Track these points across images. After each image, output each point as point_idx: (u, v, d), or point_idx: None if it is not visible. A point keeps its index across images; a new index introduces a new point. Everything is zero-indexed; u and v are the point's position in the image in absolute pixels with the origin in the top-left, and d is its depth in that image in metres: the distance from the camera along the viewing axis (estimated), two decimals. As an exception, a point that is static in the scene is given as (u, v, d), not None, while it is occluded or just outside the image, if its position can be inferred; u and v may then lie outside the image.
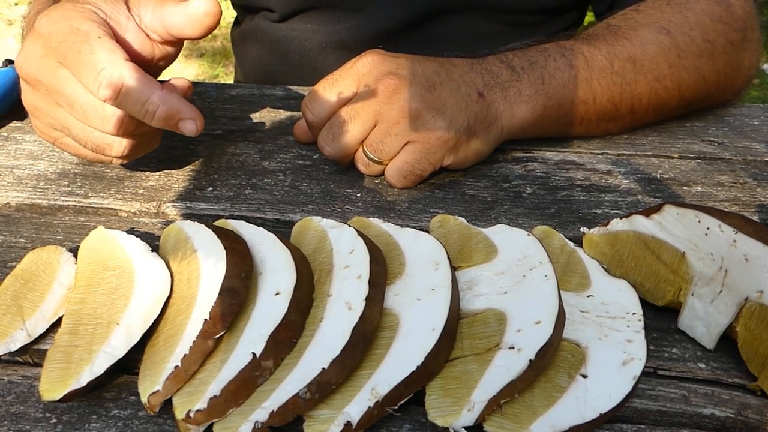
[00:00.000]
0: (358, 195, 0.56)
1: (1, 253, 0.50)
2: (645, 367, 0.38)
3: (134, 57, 0.51)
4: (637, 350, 0.38)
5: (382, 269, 0.41)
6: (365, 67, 0.54)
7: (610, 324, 0.40)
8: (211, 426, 0.35)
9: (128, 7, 0.51)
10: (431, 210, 0.54)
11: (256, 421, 0.34)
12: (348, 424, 0.34)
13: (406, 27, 0.78)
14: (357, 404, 0.35)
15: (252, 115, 0.69)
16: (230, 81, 1.18)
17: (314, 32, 0.81)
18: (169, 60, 0.54)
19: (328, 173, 0.59)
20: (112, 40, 0.48)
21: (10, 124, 0.67)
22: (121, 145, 0.51)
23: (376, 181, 0.57)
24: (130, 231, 0.51)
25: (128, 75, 0.46)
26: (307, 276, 0.41)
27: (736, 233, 0.39)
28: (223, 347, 0.37)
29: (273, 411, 0.34)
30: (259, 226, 0.46)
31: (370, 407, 0.34)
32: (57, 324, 0.41)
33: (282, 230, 0.48)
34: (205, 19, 0.49)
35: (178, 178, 0.58)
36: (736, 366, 0.40)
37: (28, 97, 0.52)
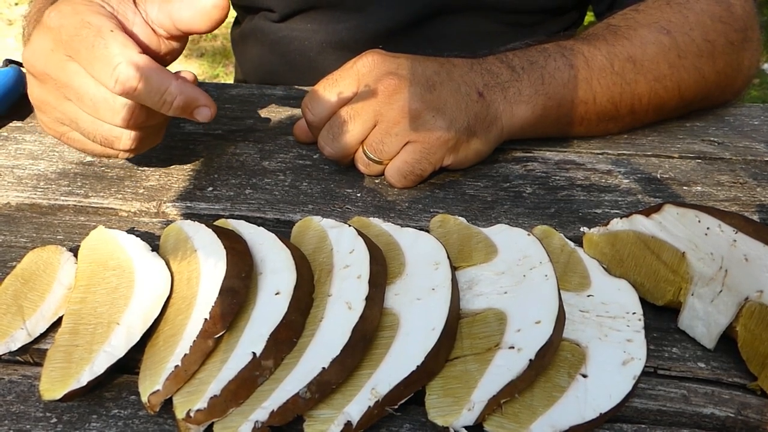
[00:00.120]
0: (358, 195, 0.56)
1: (1, 252, 0.50)
2: (645, 366, 0.38)
3: (142, 52, 0.51)
4: (637, 350, 0.38)
5: (382, 269, 0.41)
6: (365, 67, 0.54)
7: (610, 324, 0.40)
8: (211, 426, 0.35)
9: (135, 2, 0.51)
10: (431, 210, 0.54)
11: (257, 421, 0.34)
12: (348, 423, 0.34)
13: (406, 27, 0.78)
14: (357, 404, 0.35)
15: (252, 115, 0.69)
16: (230, 81, 1.18)
17: (314, 32, 0.81)
18: (174, 55, 0.54)
19: (328, 173, 0.59)
20: (124, 34, 0.48)
21: (10, 124, 0.67)
22: (129, 138, 0.51)
23: (376, 181, 0.57)
24: (131, 231, 0.51)
25: (145, 67, 0.47)
26: (307, 276, 0.41)
27: (736, 233, 0.39)
28: (223, 347, 0.37)
29: (273, 411, 0.34)
30: (259, 225, 0.46)
31: (370, 407, 0.34)
32: (57, 323, 0.41)
33: (282, 230, 0.48)
34: (214, 11, 0.49)
35: (178, 178, 0.58)
36: (736, 366, 0.40)
37: (35, 92, 0.51)
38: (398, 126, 0.53)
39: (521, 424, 0.34)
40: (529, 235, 0.45)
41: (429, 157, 0.54)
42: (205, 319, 0.37)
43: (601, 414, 0.35)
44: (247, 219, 0.50)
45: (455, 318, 0.39)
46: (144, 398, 0.35)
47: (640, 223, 0.44)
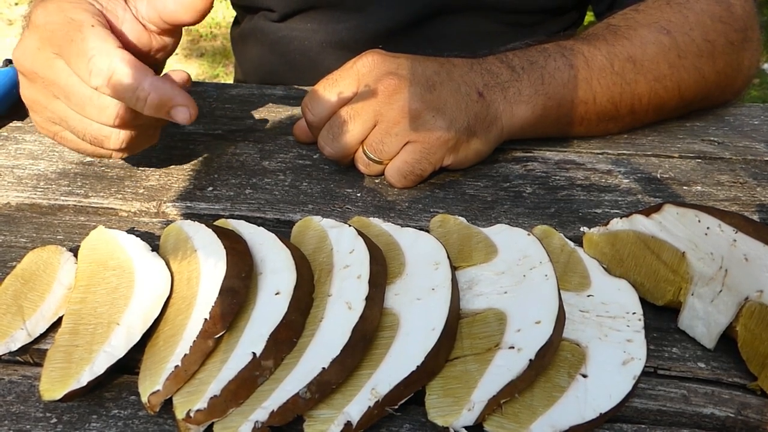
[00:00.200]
0: (358, 195, 0.56)
1: (1, 252, 0.50)
2: (645, 366, 0.38)
3: (132, 48, 0.51)
4: (637, 350, 0.38)
5: (382, 269, 0.41)
6: (365, 67, 0.54)
7: (610, 324, 0.40)
8: (211, 426, 0.35)
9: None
10: (431, 210, 0.54)
11: (257, 421, 0.34)
12: (348, 423, 0.34)
13: (406, 27, 0.78)
14: (357, 404, 0.35)
15: (252, 115, 0.69)
16: (230, 81, 1.18)
17: (314, 32, 0.81)
18: (168, 51, 0.54)
19: (328, 173, 0.59)
20: (104, 29, 0.47)
21: (10, 124, 0.67)
22: (119, 137, 0.51)
23: (376, 181, 0.57)
24: (131, 231, 0.51)
25: (118, 61, 0.46)
26: (307, 276, 0.41)
27: (736, 233, 0.39)
28: (223, 347, 0.37)
29: (273, 411, 0.34)
30: (259, 225, 0.46)
31: (370, 407, 0.34)
32: (57, 324, 0.41)
33: (282, 230, 0.48)
34: (198, 2, 0.49)
35: (178, 178, 0.58)
36: (736, 366, 0.40)
37: (26, 91, 0.51)
38: (398, 126, 0.53)
39: (521, 424, 0.34)
40: (529, 235, 0.45)
41: (429, 157, 0.54)
42: (205, 319, 0.37)
43: (601, 414, 0.35)
44: (247, 219, 0.50)
45: (455, 318, 0.39)
46: (144, 398, 0.35)
47: (640, 223, 0.44)
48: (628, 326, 0.40)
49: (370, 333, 0.37)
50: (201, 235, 0.43)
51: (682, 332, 0.42)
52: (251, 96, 0.72)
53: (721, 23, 0.62)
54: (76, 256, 0.45)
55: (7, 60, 0.69)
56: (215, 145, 0.63)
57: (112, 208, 0.54)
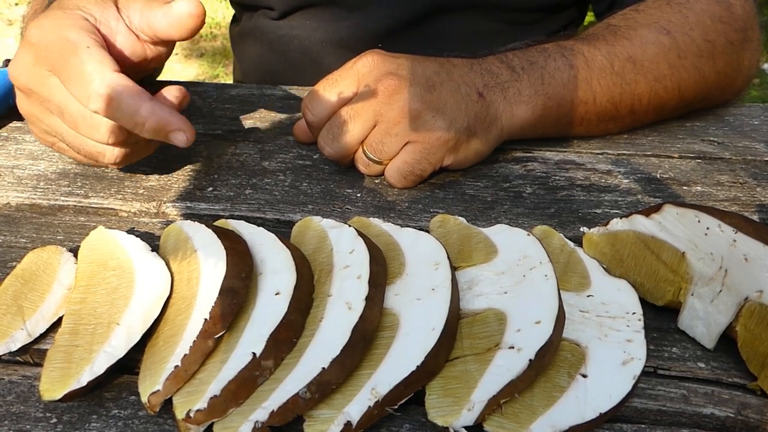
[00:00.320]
0: (358, 195, 0.56)
1: (1, 253, 0.50)
2: (645, 366, 0.38)
3: (125, 59, 0.51)
4: (637, 350, 0.38)
5: (382, 269, 0.41)
6: (365, 67, 0.54)
7: (610, 324, 0.40)
8: (211, 426, 0.35)
9: (117, 8, 0.51)
10: (431, 210, 0.54)
11: (257, 421, 0.34)
12: (348, 423, 0.34)
13: (406, 25, 0.78)
14: (357, 404, 0.35)
15: (252, 115, 0.69)
16: (230, 81, 1.18)
17: (314, 30, 0.81)
18: (161, 60, 0.54)
19: (328, 173, 0.59)
20: (101, 50, 0.48)
21: (10, 124, 0.67)
22: (113, 153, 0.51)
23: (376, 181, 0.57)
24: (131, 231, 0.51)
25: (116, 87, 0.46)
26: (307, 276, 0.41)
27: (735, 233, 0.39)
28: (223, 347, 0.37)
29: (273, 411, 0.34)
30: (259, 226, 0.46)
31: (370, 407, 0.34)
32: (57, 324, 0.41)
33: (282, 230, 0.48)
34: (189, 21, 0.49)
35: (178, 178, 0.58)
36: (736, 366, 0.40)
37: (22, 105, 0.52)
38: (398, 126, 0.53)
39: (521, 424, 0.34)
40: (529, 235, 0.45)
41: (429, 157, 0.54)
42: (205, 319, 0.37)
43: (601, 414, 0.35)
44: (247, 219, 0.50)
45: (455, 318, 0.39)
46: (144, 398, 0.35)
47: (640, 223, 0.44)
48: (628, 326, 0.40)
49: (370, 333, 0.37)
50: (201, 236, 0.43)
51: (682, 332, 0.42)
52: (251, 96, 0.72)
53: (721, 23, 0.62)
54: (76, 256, 0.45)
55: (7, 60, 0.69)
56: (215, 145, 0.63)
57: (112, 209, 0.54)
